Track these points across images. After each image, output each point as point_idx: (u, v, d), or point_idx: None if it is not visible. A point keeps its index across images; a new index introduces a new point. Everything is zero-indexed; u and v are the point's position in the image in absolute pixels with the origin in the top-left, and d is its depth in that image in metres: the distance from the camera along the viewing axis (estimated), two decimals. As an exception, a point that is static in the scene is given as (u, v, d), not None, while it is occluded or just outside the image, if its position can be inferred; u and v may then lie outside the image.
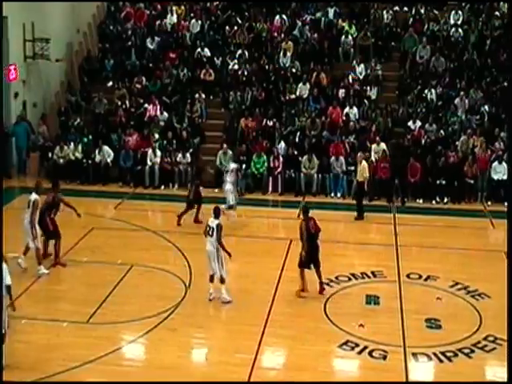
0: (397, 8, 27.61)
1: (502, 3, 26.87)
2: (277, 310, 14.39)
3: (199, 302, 14.66)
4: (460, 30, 26.35)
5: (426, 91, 24.40)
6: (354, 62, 25.62)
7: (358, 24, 27.00)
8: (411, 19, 27.19)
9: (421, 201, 21.64)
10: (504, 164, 21.75)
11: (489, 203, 21.50)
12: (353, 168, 21.86)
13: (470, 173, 21.74)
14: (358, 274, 16.16)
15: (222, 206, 17.42)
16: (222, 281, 14.52)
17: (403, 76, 25.46)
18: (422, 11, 27.43)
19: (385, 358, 12.75)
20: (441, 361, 12.74)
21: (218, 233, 14.38)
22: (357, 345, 13.13)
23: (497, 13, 26.73)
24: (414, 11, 27.51)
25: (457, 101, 23.90)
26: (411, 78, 25.22)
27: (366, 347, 13.04)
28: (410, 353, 12.91)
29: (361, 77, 25.22)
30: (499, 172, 21.76)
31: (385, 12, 27.32)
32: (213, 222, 14.51)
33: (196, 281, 15.57)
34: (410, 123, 23.47)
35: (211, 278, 14.62)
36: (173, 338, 13.26)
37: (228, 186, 19.48)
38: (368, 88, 24.80)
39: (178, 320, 13.97)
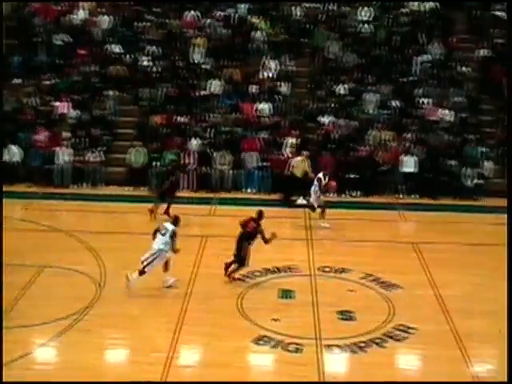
0: (308, 4, 27.82)
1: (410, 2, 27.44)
2: (192, 308, 14.31)
3: (113, 302, 14.44)
4: (369, 26, 26.77)
5: (336, 86, 24.71)
6: (266, 57, 25.70)
7: (270, 20, 27.08)
8: (322, 15, 27.44)
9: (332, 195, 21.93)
10: (414, 157, 22.25)
11: (400, 196, 21.94)
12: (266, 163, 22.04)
13: (382, 160, 22.12)
14: (272, 268, 16.24)
15: None
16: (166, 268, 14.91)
17: (314, 71, 25.70)
18: (333, 7, 27.66)
19: (300, 351, 12.86)
20: (354, 352, 12.92)
21: (173, 238, 14.83)
22: (272, 339, 13.18)
23: (404, 10, 27.26)
24: (324, 7, 27.76)
25: (366, 95, 24.31)
26: (322, 73, 25.48)
27: (280, 341, 13.11)
28: (324, 345, 13.05)
29: (273, 73, 25.35)
30: (409, 165, 22.24)
31: (295, 8, 27.47)
32: (170, 226, 14.97)
33: (109, 280, 15.34)
34: (321, 118, 23.73)
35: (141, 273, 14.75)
36: (87, 340, 13.01)
37: None
38: (280, 84, 24.94)
39: (92, 321, 13.71)
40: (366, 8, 27.24)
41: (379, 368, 12.47)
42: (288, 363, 12.52)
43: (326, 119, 23.67)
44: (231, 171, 22.43)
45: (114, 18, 27.15)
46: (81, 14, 27.40)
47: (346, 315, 14.21)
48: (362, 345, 13.10)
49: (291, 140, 22.33)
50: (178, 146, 22.87)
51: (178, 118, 23.81)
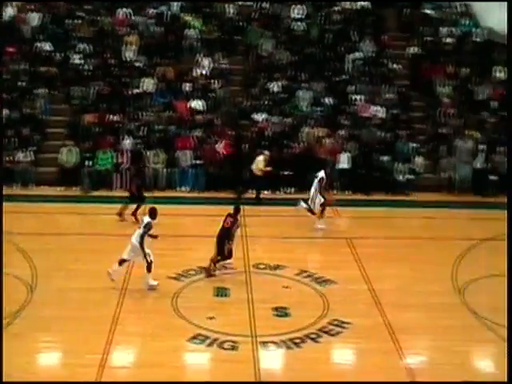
0: (241, 2, 27.81)
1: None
2: (126, 308, 14.18)
3: (45, 305, 14.19)
4: (302, 24, 26.90)
5: (270, 84, 24.79)
6: (199, 55, 25.60)
7: (203, 18, 26.98)
8: (255, 13, 27.47)
9: (267, 192, 21.99)
10: (347, 154, 22.48)
11: (335, 192, 22.08)
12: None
13: (320, 153, 22.26)
14: (202, 266, 16.14)
15: None
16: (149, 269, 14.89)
17: (248, 69, 25.73)
18: (266, 5, 27.68)
19: (235, 348, 12.86)
20: (290, 348, 13.00)
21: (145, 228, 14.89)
22: (207, 337, 13.16)
23: (336, 8, 27.48)
24: (257, 5, 27.78)
25: (300, 93, 24.46)
26: (256, 70, 25.52)
27: (216, 339, 13.10)
28: (259, 342, 13.08)
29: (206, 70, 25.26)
30: (342, 162, 22.46)
31: (229, 6, 27.43)
32: (146, 219, 15.13)
33: (41, 283, 15.06)
34: (255, 115, 23.78)
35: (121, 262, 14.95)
36: (19, 344, 12.73)
37: None
38: (213, 81, 24.87)
39: (24, 324, 13.45)
40: (298, 6, 27.36)
41: (314, 363, 12.58)
42: (224, 361, 12.52)
43: (259, 116, 23.72)
44: (165, 170, 22.28)
45: (43, 15, 26.63)
46: (9, 11, 26.80)
47: (281, 312, 14.28)
48: (297, 341, 13.19)
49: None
50: (110, 145, 22.59)
51: (111, 117, 23.49)
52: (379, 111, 24.02)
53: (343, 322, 13.89)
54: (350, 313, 14.24)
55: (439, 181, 22.29)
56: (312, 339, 13.29)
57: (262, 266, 16.39)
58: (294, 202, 19.82)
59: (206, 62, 25.42)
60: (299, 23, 26.95)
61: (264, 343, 13.05)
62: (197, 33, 26.35)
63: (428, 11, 27.65)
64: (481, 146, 22.68)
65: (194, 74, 25.03)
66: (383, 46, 26.28)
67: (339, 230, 19.78)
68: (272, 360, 12.87)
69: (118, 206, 19.22)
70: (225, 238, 15.86)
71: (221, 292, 15.12)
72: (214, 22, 26.76)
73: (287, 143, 22.74)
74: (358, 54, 25.81)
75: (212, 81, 24.92)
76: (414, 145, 23.12)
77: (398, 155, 22.80)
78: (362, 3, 27.40)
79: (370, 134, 23.29)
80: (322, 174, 18.92)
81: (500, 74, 25.38)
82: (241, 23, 27.08)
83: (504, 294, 14.91)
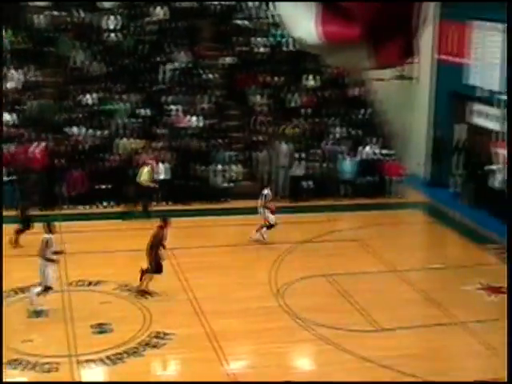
0: (53, 12, 27.04)
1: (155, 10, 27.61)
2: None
3: None
4: (116, 34, 26.61)
5: (84, 96, 24.31)
6: (9, 67, 24.65)
7: (12, 28, 25.97)
8: (67, 24, 26.81)
9: (82, 207, 21.56)
10: (165, 165, 22.44)
11: (154, 203, 21.93)
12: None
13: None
14: (20, 287, 15.56)
15: None
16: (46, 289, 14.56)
17: (60, 81, 25.06)
18: (79, 15, 27.09)
19: (55, 370, 12.49)
20: (112, 363, 12.80)
21: (42, 245, 14.63)
22: (24, 361, 12.69)
23: (151, 18, 27.41)
24: (70, 15, 27.13)
25: (115, 104, 24.16)
26: (69, 83, 24.92)
27: (34, 362, 12.65)
28: (80, 361, 12.78)
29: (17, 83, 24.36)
30: (161, 173, 22.38)
31: (39, 16, 26.60)
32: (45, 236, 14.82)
33: None
34: (69, 129, 23.23)
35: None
36: None
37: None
38: (25, 94, 24.03)
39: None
40: (112, 16, 27.07)
41: (138, 377, 12.47)
42: (44, 384, 12.12)
43: (74, 130, 23.21)
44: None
45: None
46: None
47: (101, 328, 14.03)
48: (120, 356, 13.03)
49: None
50: None
51: None
52: (196, 121, 24.25)
53: (166, 334, 13.88)
54: (172, 324, 14.26)
55: (256, 188, 22.77)
56: (134, 353, 13.16)
57: (80, 283, 16.04)
58: (115, 216, 19.50)
59: (16, 74, 24.52)
60: (113, 34, 26.67)
61: (85, 361, 12.77)
62: (6, 44, 25.36)
63: (240, 22, 28.26)
64: (296, 154, 23.40)
65: (4, 87, 24.05)
66: (198, 56, 26.56)
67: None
68: (94, 377, 12.62)
69: None
70: (155, 248, 15.69)
71: (36, 313, 14.57)
72: (23, 33, 25.85)
73: (103, 156, 22.40)
74: (173, 65, 25.92)
75: (23, 94, 24.08)
76: (231, 153, 23.53)
77: (215, 164, 23.09)
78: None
79: (187, 143, 23.43)
80: (267, 191, 19.15)
81: (311, 81, 26.40)
82: (52, 34, 26.37)
83: (322, 294, 15.60)
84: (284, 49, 27.55)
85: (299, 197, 22.79)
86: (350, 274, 16.62)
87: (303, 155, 23.36)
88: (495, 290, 16.39)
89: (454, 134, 24.04)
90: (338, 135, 24.51)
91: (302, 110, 25.40)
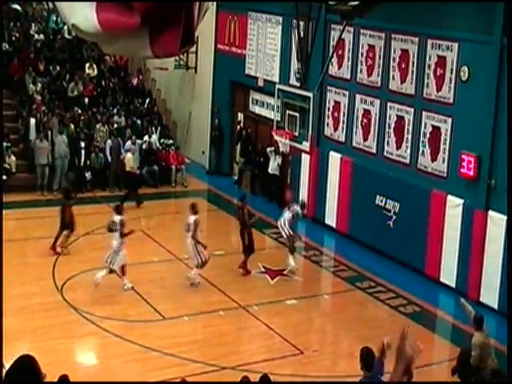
0: None
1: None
2: None
3: None
4: None
5: None
6: None
7: None
8: None
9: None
10: None
11: None
12: None
13: None
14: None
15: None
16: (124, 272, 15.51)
17: None
18: None
19: None
20: None
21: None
22: None
23: None
24: None
25: None
26: None
27: None
28: None
29: None
30: None
31: None
32: (116, 217, 15.43)
33: None
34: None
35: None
36: None
37: None
38: None
39: None
40: None
41: None
42: None
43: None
44: None
45: None
46: None
47: None
48: None
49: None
50: None
51: None
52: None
53: None
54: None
55: (34, 180, 21.93)
56: None
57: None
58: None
59: None
60: None
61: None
62: None
63: (16, 6, 27.06)
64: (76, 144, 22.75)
65: None
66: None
67: None
68: None
69: None
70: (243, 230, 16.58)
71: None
72: None
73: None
74: None
75: None
76: (8, 144, 22.44)
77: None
78: None
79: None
80: (191, 219, 16.09)
81: (89, 70, 25.86)
82: None
83: (105, 286, 15.38)
84: (63, 36, 26.80)
85: (81, 188, 22.22)
86: (133, 264, 16.54)
87: (83, 145, 22.82)
88: (275, 273, 17.06)
89: (234, 123, 24.67)
90: (117, 125, 24.18)
91: (83, 100, 24.85)
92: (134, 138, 23.04)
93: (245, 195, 17.83)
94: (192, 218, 15.80)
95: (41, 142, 21.84)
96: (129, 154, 22.02)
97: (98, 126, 23.57)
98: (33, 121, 22.73)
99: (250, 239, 16.85)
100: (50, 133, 22.56)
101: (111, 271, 15.42)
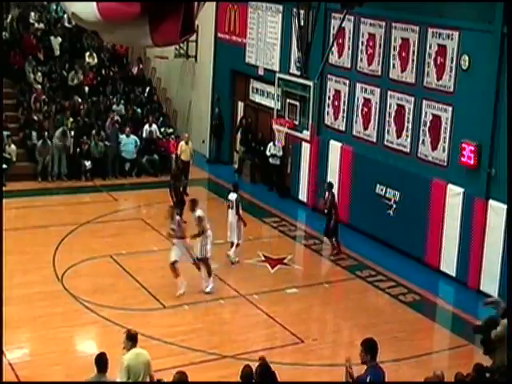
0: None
1: None
2: None
3: None
4: None
5: None
6: None
7: None
8: None
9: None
10: None
11: None
12: None
13: None
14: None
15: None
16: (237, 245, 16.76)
17: None
18: None
19: None
20: None
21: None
22: None
23: None
24: None
25: None
26: None
27: None
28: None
29: None
30: None
31: None
32: (232, 196, 16.66)
33: None
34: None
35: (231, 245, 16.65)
36: None
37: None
38: None
39: None
40: None
41: None
42: None
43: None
44: None
45: None
46: None
47: None
48: None
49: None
50: None
51: None
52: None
53: None
54: None
55: (34, 169, 21.93)
56: None
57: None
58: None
59: None
60: None
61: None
62: None
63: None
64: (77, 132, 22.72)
65: None
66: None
67: None
68: None
69: None
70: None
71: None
72: None
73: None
74: None
75: None
76: (7, 133, 22.41)
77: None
78: None
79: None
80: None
81: (89, 59, 25.81)
82: None
83: (105, 275, 15.42)
84: (63, 25, 26.75)
85: (80, 177, 22.22)
86: (133, 253, 16.54)
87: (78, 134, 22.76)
88: (275, 262, 17.08)
89: (235, 112, 24.64)
90: (118, 114, 24.16)
91: (82, 88, 24.80)
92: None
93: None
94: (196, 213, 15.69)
95: (43, 147, 21.80)
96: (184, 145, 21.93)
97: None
98: (34, 133, 22.61)
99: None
100: (47, 133, 22.39)
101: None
